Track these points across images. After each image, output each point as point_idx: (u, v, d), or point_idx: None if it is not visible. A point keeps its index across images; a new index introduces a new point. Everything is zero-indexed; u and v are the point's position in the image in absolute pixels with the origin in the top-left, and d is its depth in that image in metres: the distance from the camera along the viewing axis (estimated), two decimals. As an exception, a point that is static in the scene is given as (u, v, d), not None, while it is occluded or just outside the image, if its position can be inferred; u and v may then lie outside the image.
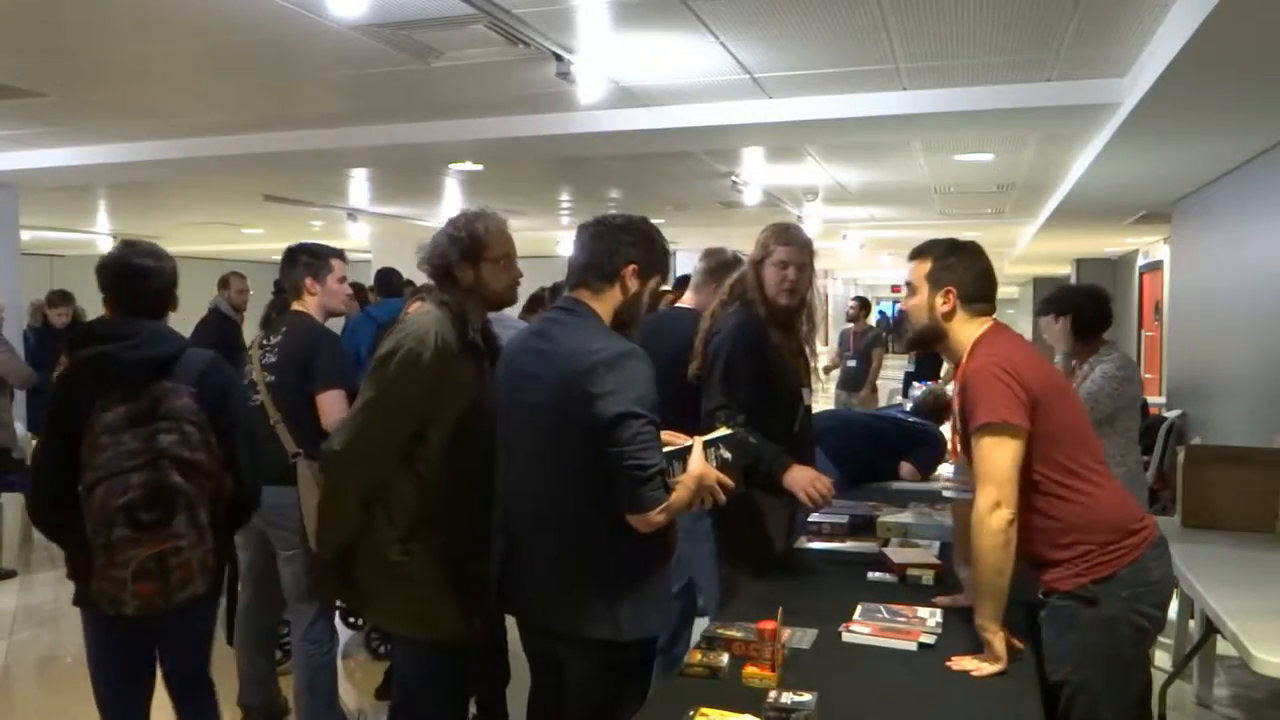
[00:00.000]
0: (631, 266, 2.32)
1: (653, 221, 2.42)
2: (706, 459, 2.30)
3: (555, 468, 2.25)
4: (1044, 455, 2.20)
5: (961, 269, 2.37)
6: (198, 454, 2.52)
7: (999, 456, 2.15)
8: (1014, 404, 2.16)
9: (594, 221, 2.38)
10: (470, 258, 2.54)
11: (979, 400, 2.19)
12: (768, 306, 3.12)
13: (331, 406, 3.29)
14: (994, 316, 2.38)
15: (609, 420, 2.12)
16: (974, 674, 2.14)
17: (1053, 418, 2.21)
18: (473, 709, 3.26)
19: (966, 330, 2.35)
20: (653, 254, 2.36)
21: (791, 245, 3.14)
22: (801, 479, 3.00)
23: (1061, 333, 4.07)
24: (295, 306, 3.54)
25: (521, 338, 2.51)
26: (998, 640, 2.18)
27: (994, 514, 2.14)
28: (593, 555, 2.23)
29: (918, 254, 2.44)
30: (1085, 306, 4.05)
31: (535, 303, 5.91)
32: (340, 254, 3.59)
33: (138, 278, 2.63)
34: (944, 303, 2.36)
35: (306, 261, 3.52)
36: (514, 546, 2.36)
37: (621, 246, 2.32)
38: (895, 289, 29.55)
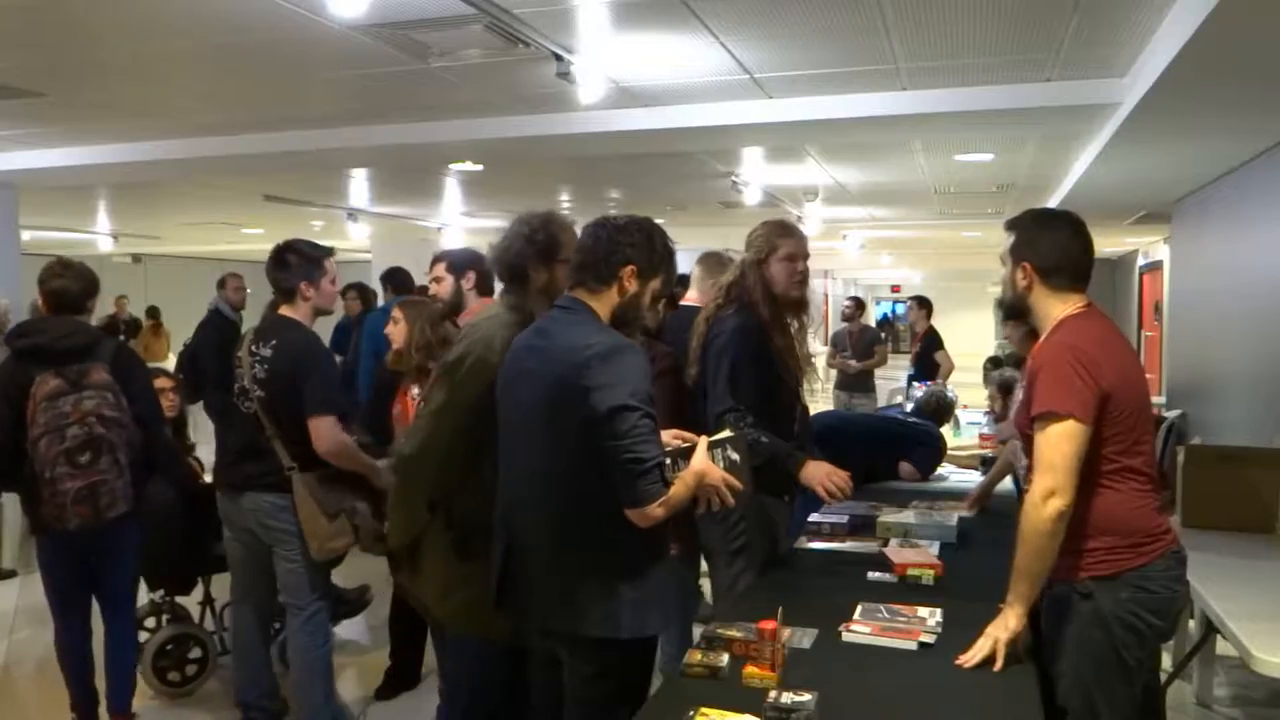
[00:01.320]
0: (630, 268, 2.31)
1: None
2: (712, 459, 2.29)
3: (552, 464, 2.25)
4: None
5: (1041, 243, 2.33)
6: (114, 412, 3.33)
7: (1062, 447, 2.13)
8: (1082, 397, 2.14)
9: (595, 222, 2.37)
10: (546, 259, 2.61)
11: (1049, 386, 2.17)
12: (774, 305, 3.12)
13: (322, 433, 3.24)
14: (1085, 297, 2.32)
15: (604, 413, 2.11)
16: (971, 658, 2.17)
17: (1113, 418, 2.18)
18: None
19: (1050, 306, 2.32)
20: (652, 255, 2.34)
21: (796, 238, 3.17)
22: (818, 473, 3.01)
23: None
24: (285, 311, 3.39)
25: (523, 337, 2.51)
26: (1014, 615, 2.18)
27: (1048, 502, 2.13)
28: (590, 553, 2.22)
29: (1009, 225, 2.42)
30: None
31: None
32: (331, 251, 3.46)
33: (61, 288, 3.45)
34: (1022, 277, 2.34)
35: (299, 263, 3.36)
36: (512, 544, 2.35)
37: (620, 248, 2.30)
38: (895, 289, 29.50)
